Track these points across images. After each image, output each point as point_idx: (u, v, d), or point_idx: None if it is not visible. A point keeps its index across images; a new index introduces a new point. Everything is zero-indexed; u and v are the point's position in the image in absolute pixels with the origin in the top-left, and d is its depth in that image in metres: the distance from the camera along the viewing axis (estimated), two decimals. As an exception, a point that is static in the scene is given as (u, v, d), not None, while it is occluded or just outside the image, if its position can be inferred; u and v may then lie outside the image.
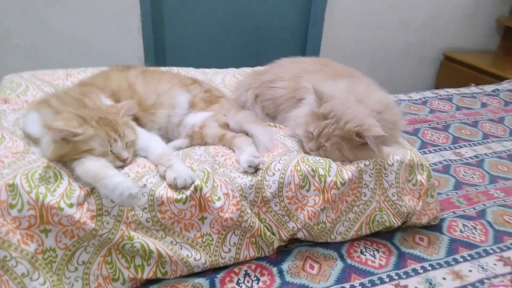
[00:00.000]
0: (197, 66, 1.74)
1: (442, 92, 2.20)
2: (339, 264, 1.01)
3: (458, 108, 2.01)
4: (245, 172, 1.01)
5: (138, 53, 2.54)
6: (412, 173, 1.11)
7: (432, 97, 2.12)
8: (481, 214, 1.24)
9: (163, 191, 0.91)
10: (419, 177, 1.11)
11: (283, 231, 1.02)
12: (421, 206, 1.11)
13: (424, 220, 1.13)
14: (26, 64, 2.27)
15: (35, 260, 0.82)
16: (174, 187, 0.92)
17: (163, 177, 0.95)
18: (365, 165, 1.06)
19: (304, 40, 2.89)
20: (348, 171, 1.04)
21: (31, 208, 0.82)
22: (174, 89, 1.22)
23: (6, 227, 0.79)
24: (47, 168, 0.89)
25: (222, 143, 1.14)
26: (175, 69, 1.62)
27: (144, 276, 0.90)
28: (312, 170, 1.02)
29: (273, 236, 1.00)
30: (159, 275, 0.92)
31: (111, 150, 0.93)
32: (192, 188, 0.92)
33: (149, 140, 1.05)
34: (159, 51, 2.63)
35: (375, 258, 1.05)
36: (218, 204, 0.94)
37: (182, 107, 1.21)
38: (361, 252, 1.06)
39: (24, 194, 0.82)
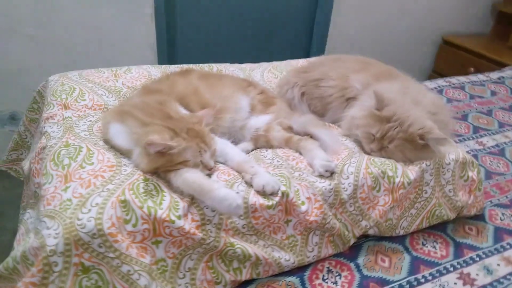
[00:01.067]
0: (208, 55, 1.73)
1: (454, 80, 2.31)
2: (407, 257, 1.12)
3: (472, 97, 2.13)
4: (321, 176, 1.07)
5: (150, 40, 2.50)
6: (463, 170, 1.21)
7: (445, 85, 2.22)
8: (515, 202, 1.38)
9: (255, 198, 0.97)
10: (470, 174, 1.21)
11: (357, 229, 1.10)
12: (472, 200, 1.22)
13: (473, 212, 1.24)
14: (40, 54, 2.21)
15: (151, 271, 0.86)
16: (262, 193, 0.98)
17: (249, 184, 1.00)
18: (426, 165, 1.15)
19: (311, 26, 2.91)
20: (412, 172, 1.13)
21: (145, 222, 0.86)
22: (237, 93, 1.25)
23: (125, 242, 0.83)
24: (147, 181, 0.93)
25: (288, 146, 1.19)
26: (214, 67, 1.64)
27: (243, 278, 0.97)
28: (382, 172, 1.10)
29: (350, 235, 1.09)
30: (254, 276, 0.99)
31: (201, 161, 0.97)
32: (279, 194, 0.98)
33: (225, 147, 1.09)
34: (171, 39, 2.59)
35: (436, 249, 1.15)
36: (303, 208, 1.00)
37: (245, 110, 1.25)
38: (423, 244, 1.16)
39: (137, 209, 0.86)
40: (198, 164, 0.97)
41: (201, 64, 1.64)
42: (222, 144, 1.09)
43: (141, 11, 2.39)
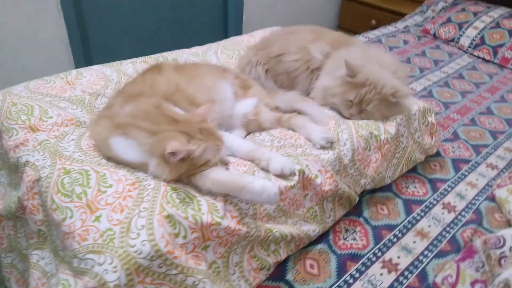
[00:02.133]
0: (125, 46, 1.65)
1: (371, 35, 2.54)
2: (399, 201, 1.28)
3: (391, 49, 2.38)
4: (323, 148, 1.15)
5: (61, 34, 2.24)
6: (424, 116, 1.40)
7: (365, 41, 2.44)
8: (456, 135, 1.63)
9: (278, 182, 1.01)
10: (429, 119, 1.41)
11: (358, 188, 1.22)
12: (434, 141, 1.42)
13: (435, 150, 1.45)
14: None
15: (209, 276, 0.87)
16: (281, 176, 1.02)
17: (266, 170, 1.03)
18: (400, 119, 1.30)
19: (225, 3, 2.89)
20: (392, 127, 1.27)
21: (194, 231, 0.84)
22: (219, 81, 1.23)
23: (183, 256, 0.82)
24: (176, 191, 0.90)
25: (280, 126, 1.24)
26: (168, 56, 1.56)
27: (282, 257, 1.02)
28: (369, 133, 1.22)
29: (354, 194, 1.20)
30: (288, 252, 1.05)
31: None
32: (297, 173, 1.04)
33: (228, 138, 1.09)
34: (83, 31, 2.35)
35: (417, 188, 1.34)
36: (318, 180, 1.08)
37: (230, 98, 1.24)
38: (406, 187, 1.34)
39: (183, 221, 0.84)
40: (217, 162, 0.96)
41: (153, 55, 1.55)
42: (225, 136, 1.09)
43: (46, 2, 2.11)
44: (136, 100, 1.05)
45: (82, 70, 1.36)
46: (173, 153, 0.86)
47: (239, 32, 2.96)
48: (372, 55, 1.40)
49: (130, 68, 1.44)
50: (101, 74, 1.35)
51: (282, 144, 1.16)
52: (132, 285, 0.76)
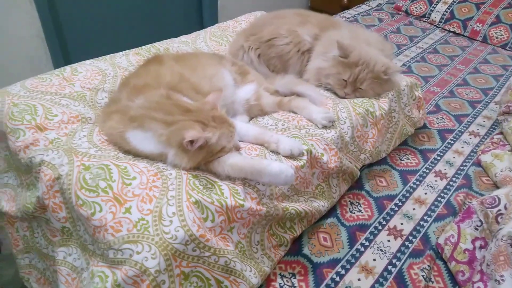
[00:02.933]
0: (101, 39, 1.63)
1: (347, 15, 2.61)
2: (395, 173, 1.37)
3: (367, 27, 2.45)
4: (325, 127, 1.21)
5: (35, 29, 2.16)
6: (411, 91, 1.48)
7: (344, 20, 2.50)
8: (438, 107, 1.74)
9: (290, 162, 1.06)
10: (416, 93, 1.49)
11: (358, 163, 1.29)
12: (421, 114, 1.51)
13: (422, 123, 1.55)
14: None
15: (238, 255, 0.91)
16: (291, 157, 1.08)
17: (276, 152, 1.08)
18: (391, 95, 1.38)
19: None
20: (385, 103, 1.34)
21: (220, 214, 0.89)
22: (219, 69, 1.26)
23: (213, 238, 0.86)
24: (197, 178, 0.94)
25: (281, 109, 1.28)
26: (160, 47, 1.56)
27: (298, 233, 1.08)
28: (366, 110, 1.29)
29: (356, 169, 1.27)
30: (302, 228, 1.11)
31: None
32: (305, 153, 1.09)
33: (235, 124, 1.13)
34: (58, 25, 2.28)
35: (410, 159, 1.43)
36: (324, 158, 1.14)
37: (231, 84, 1.27)
38: (400, 159, 1.43)
39: (210, 205, 0.88)
40: (232, 147, 1.00)
41: (144, 46, 1.54)
42: None
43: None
44: (143, 92, 1.07)
45: (76, 65, 1.35)
46: (191, 142, 0.89)
47: (214, 19, 2.95)
48: (360, 35, 1.46)
49: (124, 60, 1.43)
50: (96, 68, 1.34)
51: (286, 126, 1.21)
52: (171, 269, 0.80)
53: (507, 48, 2.28)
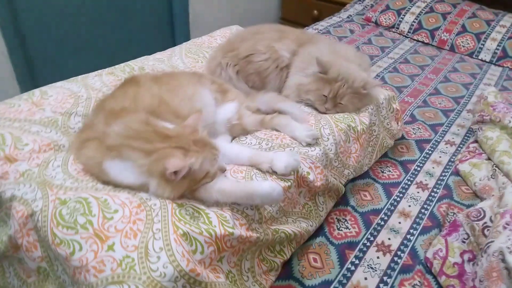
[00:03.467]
0: (70, 54, 1.57)
1: (319, 26, 2.63)
2: (378, 186, 1.37)
3: (340, 39, 2.49)
4: (309, 145, 1.19)
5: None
6: (389, 104, 1.50)
7: (316, 33, 2.53)
8: (413, 117, 1.77)
9: (278, 183, 1.04)
10: (394, 106, 1.51)
11: (342, 179, 1.28)
12: (400, 126, 1.53)
13: (400, 134, 1.57)
14: None
15: (228, 286, 0.88)
16: (287, 173, 1.05)
17: (270, 172, 1.05)
18: (371, 109, 1.39)
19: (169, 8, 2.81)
20: (365, 118, 1.35)
21: (210, 245, 0.85)
22: (199, 89, 1.22)
23: (203, 272, 0.82)
24: (182, 207, 0.90)
25: (263, 127, 1.26)
26: (135, 66, 1.50)
27: (288, 256, 1.06)
28: (347, 125, 1.29)
29: (341, 186, 1.26)
30: (292, 250, 1.08)
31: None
32: (292, 173, 1.08)
33: (224, 146, 1.09)
34: (22, 42, 2.18)
35: (391, 172, 1.44)
36: (311, 177, 1.12)
37: (212, 104, 1.24)
38: (382, 172, 1.44)
39: (198, 236, 0.84)
40: (216, 171, 0.97)
41: (118, 66, 1.48)
42: (221, 146, 1.09)
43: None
44: (121, 117, 1.01)
45: (46, 88, 1.27)
46: (173, 172, 0.85)
47: (186, 31, 2.91)
48: (338, 50, 1.47)
49: (97, 81, 1.37)
50: (67, 91, 1.28)
51: (270, 145, 1.18)
52: (161, 309, 0.75)
53: (473, 56, 2.37)
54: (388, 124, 1.47)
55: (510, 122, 1.42)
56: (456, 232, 1.06)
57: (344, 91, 1.33)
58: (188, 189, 0.92)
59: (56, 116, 1.17)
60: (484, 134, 1.47)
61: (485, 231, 0.99)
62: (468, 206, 1.29)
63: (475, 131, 1.55)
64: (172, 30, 2.90)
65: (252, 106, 1.29)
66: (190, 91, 1.20)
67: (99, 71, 1.44)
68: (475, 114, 1.58)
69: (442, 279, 1.02)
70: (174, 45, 2.89)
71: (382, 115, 1.44)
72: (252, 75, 1.52)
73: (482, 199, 1.31)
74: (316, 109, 1.38)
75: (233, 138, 1.26)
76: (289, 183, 1.05)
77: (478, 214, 1.02)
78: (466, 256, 1.02)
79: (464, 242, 1.04)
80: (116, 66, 1.49)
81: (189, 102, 1.17)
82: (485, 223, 1.00)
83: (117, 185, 0.94)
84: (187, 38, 2.88)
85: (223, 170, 1.00)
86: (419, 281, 1.04)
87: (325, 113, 1.36)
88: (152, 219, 0.85)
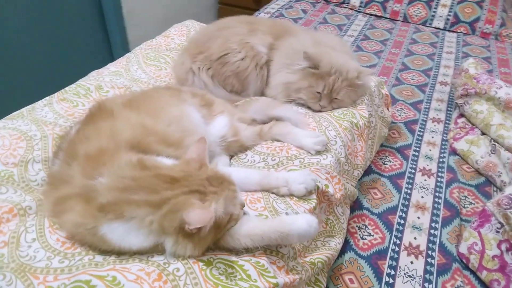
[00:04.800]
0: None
1: (271, 9, 2.48)
2: (385, 180, 1.29)
3: (295, 21, 2.36)
4: (319, 153, 1.07)
5: None
6: (379, 90, 1.42)
7: (268, 16, 2.37)
8: (393, 97, 1.72)
9: (301, 208, 0.91)
10: (383, 91, 1.43)
11: (353, 181, 1.18)
12: (390, 111, 1.46)
13: (391, 119, 1.50)
14: None
15: None
16: (307, 194, 0.93)
17: (288, 195, 0.92)
18: (367, 99, 1.29)
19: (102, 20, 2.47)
20: (364, 110, 1.25)
21: (260, 307, 0.70)
22: (184, 107, 1.03)
23: None
24: (210, 265, 0.73)
25: (263, 139, 1.12)
26: (90, 86, 1.25)
27: (325, 284, 0.94)
28: (350, 123, 1.18)
29: (355, 189, 1.16)
30: (326, 276, 0.97)
31: (237, 204, 0.82)
32: (313, 190, 0.95)
33: (230, 173, 0.92)
34: None
35: (392, 162, 1.37)
36: (331, 190, 1.00)
37: (200, 122, 1.06)
38: (383, 163, 1.36)
39: (245, 301, 0.68)
40: (240, 212, 0.81)
41: (68, 88, 1.22)
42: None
43: None
44: (102, 163, 0.80)
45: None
46: (199, 225, 0.68)
47: (121, 27, 2.58)
48: (321, 40, 1.34)
49: (49, 112, 1.11)
50: (15, 132, 1.01)
51: (278, 161, 1.04)
52: None
53: (427, 25, 2.37)
54: (382, 112, 1.39)
55: (496, 93, 1.40)
56: (488, 222, 1.01)
57: (339, 85, 1.21)
58: (213, 241, 0.75)
59: (9, 169, 0.92)
60: (472, 108, 1.45)
61: (523, 219, 0.95)
62: (476, 186, 1.27)
63: (460, 106, 1.52)
64: (104, 26, 2.54)
65: (246, 118, 1.13)
66: (175, 111, 1.01)
67: (47, 98, 1.18)
68: (457, 88, 1.55)
69: (484, 274, 0.97)
70: (110, 44, 2.60)
71: (375, 104, 1.36)
72: (229, 77, 1.34)
73: (487, 177, 1.30)
74: (309, 108, 1.26)
75: (230, 157, 1.10)
76: (314, 204, 0.93)
77: (510, 201, 0.98)
78: (503, 246, 0.97)
79: (498, 232, 0.99)
80: (66, 88, 1.23)
81: (177, 125, 0.98)
82: (521, 210, 0.96)
83: (121, 253, 0.74)
84: (123, 34, 2.56)
85: (242, 206, 0.84)
86: (461, 281, 0.98)
87: (320, 111, 1.24)
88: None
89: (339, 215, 1.07)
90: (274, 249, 0.81)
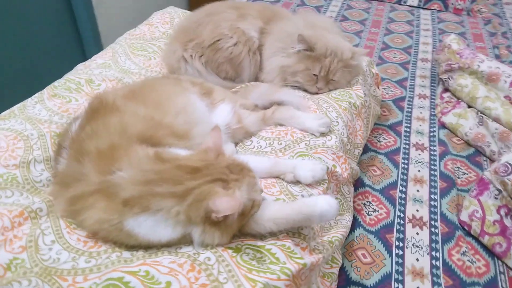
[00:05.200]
0: None
1: (247, -7, 2.44)
2: (382, 157, 1.33)
3: (273, 4, 2.34)
4: (323, 134, 1.08)
5: None
6: (369, 70, 1.44)
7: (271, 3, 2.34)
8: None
9: (315, 189, 0.92)
10: (373, 70, 1.46)
11: (355, 160, 1.21)
12: (380, 90, 1.49)
13: (381, 98, 1.53)
14: None
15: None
16: (314, 182, 0.94)
17: (295, 182, 0.93)
18: (361, 79, 1.31)
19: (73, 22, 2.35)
20: (359, 90, 1.27)
21: (288, 286, 0.71)
22: (188, 96, 1.02)
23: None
24: (240, 251, 0.74)
25: (266, 125, 1.12)
26: (80, 80, 1.19)
27: (341, 261, 0.96)
28: (348, 103, 1.20)
29: (358, 168, 1.19)
30: (340, 253, 0.99)
31: (257, 189, 0.82)
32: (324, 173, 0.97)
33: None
34: None
35: (387, 140, 1.41)
36: (338, 170, 1.02)
37: (205, 111, 1.05)
38: (379, 141, 1.40)
39: (277, 282, 0.69)
40: (261, 197, 0.81)
41: (56, 82, 1.16)
42: None
43: None
44: (118, 158, 0.78)
45: None
46: (227, 212, 0.68)
47: (92, 18, 2.47)
48: (313, 22, 1.34)
49: (42, 110, 1.06)
50: (11, 133, 0.96)
51: (284, 145, 1.05)
52: None
53: (401, 3, 2.42)
54: (374, 91, 1.42)
55: (479, 66, 1.46)
56: (487, 190, 1.06)
57: (335, 66, 1.22)
58: (239, 227, 0.76)
59: (11, 171, 0.88)
60: (457, 82, 1.50)
61: (520, 184, 1.00)
62: (467, 157, 1.33)
63: (445, 81, 1.58)
64: (73, 17, 2.42)
65: (248, 104, 1.13)
66: (181, 101, 0.99)
67: (37, 95, 1.12)
68: (441, 63, 1.60)
69: (486, 239, 1.03)
70: (80, 37, 2.47)
71: (368, 83, 1.38)
72: (223, 64, 1.33)
73: (477, 148, 1.36)
74: (305, 90, 1.26)
75: (236, 144, 1.09)
76: (326, 185, 0.95)
77: (506, 169, 1.03)
78: (502, 211, 1.03)
79: (496, 198, 1.05)
80: (55, 83, 1.17)
81: (184, 115, 0.96)
82: (518, 176, 1.02)
83: (149, 246, 0.73)
84: (94, 25, 2.46)
85: (261, 192, 0.85)
86: (466, 247, 1.03)
87: (316, 93, 1.25)
88: (216, 279, 0.68)
89: (345, 193, 1.10)
90: (296, 231, 0.82)
